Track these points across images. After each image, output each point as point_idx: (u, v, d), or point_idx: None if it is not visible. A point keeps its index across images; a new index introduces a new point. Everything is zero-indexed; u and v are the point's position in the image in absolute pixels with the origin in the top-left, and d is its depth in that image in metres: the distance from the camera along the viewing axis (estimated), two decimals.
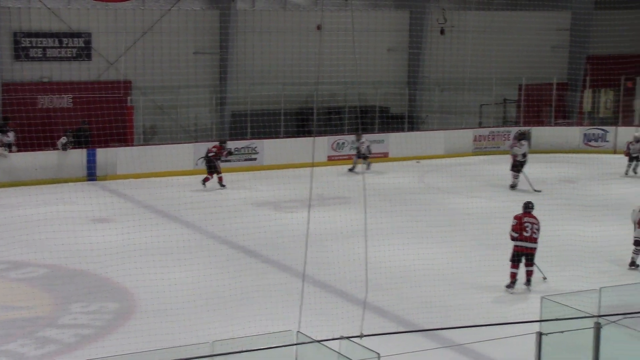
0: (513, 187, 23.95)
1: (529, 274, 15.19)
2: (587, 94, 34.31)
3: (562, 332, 9.29)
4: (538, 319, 10.41)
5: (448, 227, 19.20)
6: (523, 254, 15.14)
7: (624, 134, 30.69)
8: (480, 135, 30.58)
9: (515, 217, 15.31)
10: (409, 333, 12.05)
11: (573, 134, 31.37)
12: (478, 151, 30.12)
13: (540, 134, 31.12)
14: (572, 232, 17.63)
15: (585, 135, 31.32)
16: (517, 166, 24.00)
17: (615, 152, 30.51)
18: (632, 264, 16.58)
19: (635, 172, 26.21)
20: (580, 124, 32.54)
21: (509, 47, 32.43)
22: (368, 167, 26.38)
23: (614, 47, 31.10)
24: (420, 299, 14.42)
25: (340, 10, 29.65)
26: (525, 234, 15.10)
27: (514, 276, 15.15)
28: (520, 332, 9.44)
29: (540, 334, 9.28)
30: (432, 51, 32.13)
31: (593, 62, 33.47)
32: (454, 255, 16.78)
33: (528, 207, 15.49)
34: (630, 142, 26.25)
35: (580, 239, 17.20)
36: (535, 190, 23.09)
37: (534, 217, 15.30)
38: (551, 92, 32.48)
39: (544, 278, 15.48)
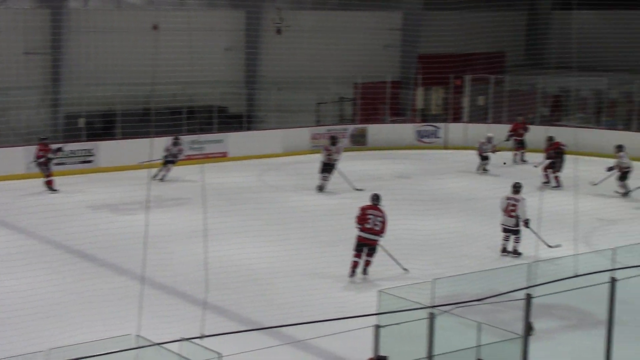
0: (321, 189, 23.58)
1: (367, 263, 15.63)
2: (420, 92, 35.38)
3: (398, 323, 9.54)
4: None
5: (287, 225, 19.33)
6: (365, 244, 15.53)
7: (454, 130, 31.91)
8: (317, 134, 31.00)
9: (360, 208, 15.73)
10: (250, 332, 12.08)
11: (407, 131, 32.30)
12: (315, 149, 30.48)
13: (375, 131, 31.88)
14: (412, 227, 18.06)
15: (418, 132, 32.29)
16: (330, 168, 23.67)
17: (446, 147, 31.62)
18: (504, 250, 17.12)
19: (485, 170, 26.86)
20: (414, 121, 33.54)
21: (343, 46, 33.06)
22: (163, 178, 25.05)
23: (443, 47, 32.20)
24: (260, 297, 14.51)
25: (176, 9, 29.36)
26: (367, 225, 15.49)
27: (354, 265, 15.52)
28: (359, 325, 9.64)
29: (377, 327, 9.49)
30: (268, 50, 32.30)
31: (424, 60, 34.50)
32: (293, 253, 16.95)
33: (374, 199, 15.89)
34: (483, 142, 27.07)
35: (426, 232, 17.71)
36: (357, 189, 23.08)
37: (379, 210, 15.67)
38: (385, 90, 33.28)
39: (404, 270, 15.82)
